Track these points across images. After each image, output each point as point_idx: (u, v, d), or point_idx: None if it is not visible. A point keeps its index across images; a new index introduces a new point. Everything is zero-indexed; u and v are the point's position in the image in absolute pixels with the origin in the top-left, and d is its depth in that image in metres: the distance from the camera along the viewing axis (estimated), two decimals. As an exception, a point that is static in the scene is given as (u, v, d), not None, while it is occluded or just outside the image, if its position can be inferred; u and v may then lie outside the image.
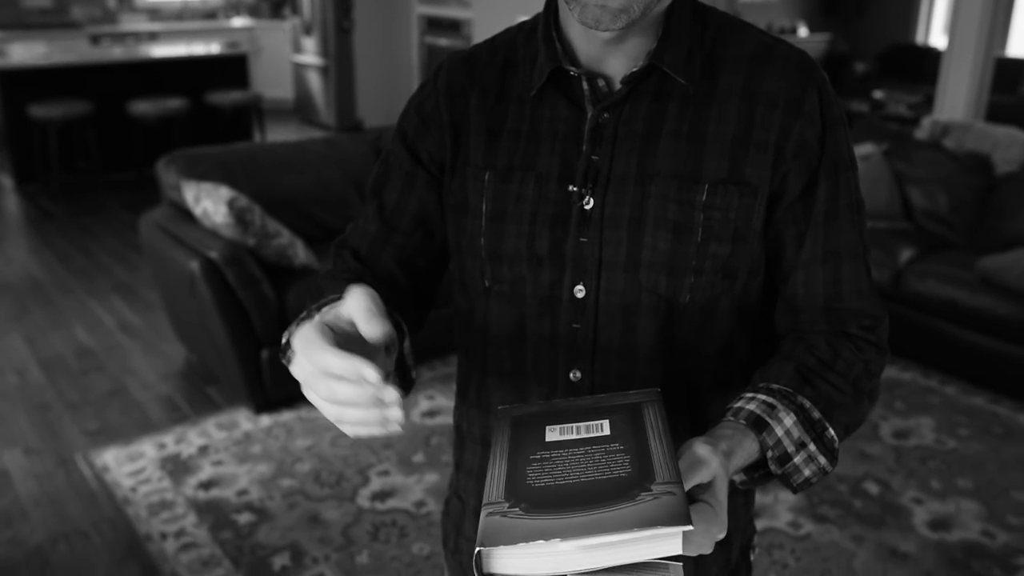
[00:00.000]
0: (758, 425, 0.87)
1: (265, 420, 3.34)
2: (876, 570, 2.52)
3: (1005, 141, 4.14)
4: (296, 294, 3.33)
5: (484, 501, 0.77)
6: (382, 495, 2.87)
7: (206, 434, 3.24)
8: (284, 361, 0.87)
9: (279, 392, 3.37)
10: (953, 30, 4.99)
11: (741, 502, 1.08)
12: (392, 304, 0.94)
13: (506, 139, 0.99)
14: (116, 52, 7.13)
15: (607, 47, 0.93)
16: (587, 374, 0.98)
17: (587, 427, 0.84)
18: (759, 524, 2.70)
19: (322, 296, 0.95)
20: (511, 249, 0.97)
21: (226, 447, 3.15)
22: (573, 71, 0.95)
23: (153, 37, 8.84)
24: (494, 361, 1.04)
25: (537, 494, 0.76)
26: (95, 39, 8.42)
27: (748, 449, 0.86)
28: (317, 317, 0.78)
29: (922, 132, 4.48)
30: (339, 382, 0.70)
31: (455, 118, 1.02)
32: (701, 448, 0.79)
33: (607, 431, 0.82)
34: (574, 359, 0.98)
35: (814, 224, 0.94)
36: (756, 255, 0.96)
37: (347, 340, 0.75)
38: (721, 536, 0.77)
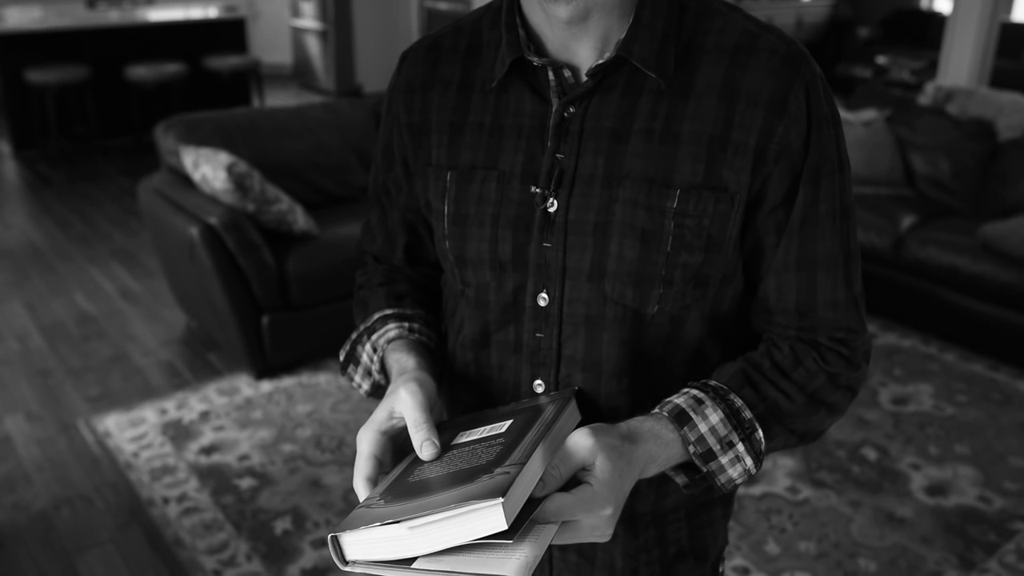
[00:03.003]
0: (680, 419, 0.85)
1: (266, 386, 3.35)
2: (873, 535, 2.54)
3: (1009, 107, 4.11)
4: (296, 260, 3.32)
5: (363, 499, 0.80)
6: (383, 460, 2.88)
7: (207, 400, 3.25)
8: (346, 379, 1.05)
9: (280, 358, 3.37)
10: (958, -6, 4.94)
11: (719, 514, 1.04)
12: (421, 303, 1.05)
13: (468, 134, 0.93)
14: (113, 16, 7.06)
15: (571, 32, 0.86)
16: (551, 385, 0.93)
17: (491, 428, 0.85)
18: (757, 489, 2.72)
19: (366, 310, 1.06)
20: (474, 253, 0.93)
21: (227, 412, 3.17)
22: (536, 61, 0.88)
23: (150, 1, 8.74)
24: (461, 364, 1.00)
25: (404, 488, 0.78)
26: (91, 3, 8.33)
27: (665, 439, 0.84)
28: (378, 422, 0.86)
29: (925, 98, 4.45)
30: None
31: (413, 117, 0.97)
32: (576, 434, 0.79)
33: (503, 429, 0.83)
34: (537, 369, 0.93)
35: (789, 231, 0.87)
36: (731, 262, 0.89)
37: (400, 432, 0.87)
38: (608, 513, 0.76)
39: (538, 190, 0.89)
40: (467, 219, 0.92)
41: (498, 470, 0.73)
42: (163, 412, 3.17)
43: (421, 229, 1.06)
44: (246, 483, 2.76)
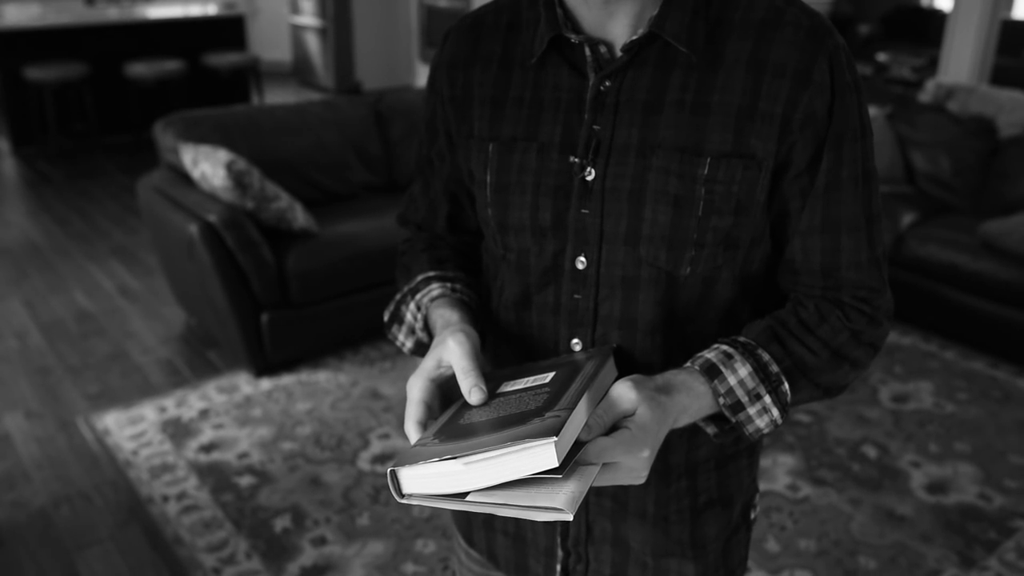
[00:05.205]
0: (711, 372, 0.90)
1: (265, 383, 3.34)
2: (873, 532, 2.54)
3: (1009, 104, 4.11)
4: (295, 257, 3.32)
5: (418, 438, 0.86)
6: (382, 457, 2.88)
7: (206, 397, 3.25)
8: (391, 338, 1.12)
9: (279, 355, 3.37)
10: (959, -9, 4.93)
11: (745, 464, 1.09)
12: (462, 268, 1.14)
13: (510, 108, 0.98)
14: (112, 13, 7.04)
15: (607, 11, 0.91)
16: (588, 343, 0.98)
17: (534, 379, 0.91)
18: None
19: (409, 273, 1.13)
20: (515, 220, 0.98)
21: (227, 410, 3.16)
22: (573, 38, 0.92)
23: (149, -2, 8.74)
24: (505, 324, 1.06)
25: (456, 429, 0.84)
26: (90, 0, 8.33)
27: (696, 391, 0.89)
28: (427, 370, 0.93)
29: (926, 95, 4.44)
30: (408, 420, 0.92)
31: (456, 92, 1.03)
32: (619, 385, 0.85)
33: (547, 380, 0.89)
34: (575, 328, 0.99)
35: (814, 195, 0.92)
36: (759, 225, 0.94)
37: (448, 380, 0.93)
38: (646, 455, 0.82)
39: (577, 160, 0.94)
40: (509, 188, 0.98)
41: (548, 414, 0.79)
42: (162, 410, 3.17)
43: (463, 199, 1.12)
44: (245, 481, 2.76)
